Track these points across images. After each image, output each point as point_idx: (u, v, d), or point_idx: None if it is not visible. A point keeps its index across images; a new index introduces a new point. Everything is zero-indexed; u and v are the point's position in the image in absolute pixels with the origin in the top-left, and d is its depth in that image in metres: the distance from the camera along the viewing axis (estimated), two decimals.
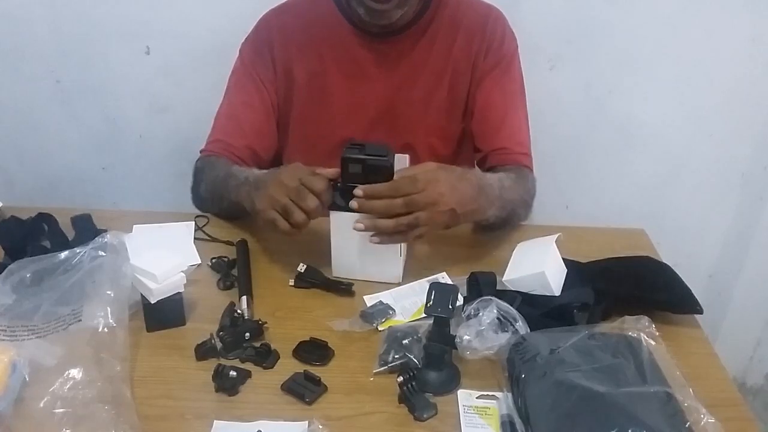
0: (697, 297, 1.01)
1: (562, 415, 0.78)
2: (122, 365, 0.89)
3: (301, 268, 1.08)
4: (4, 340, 0.93)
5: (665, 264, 1.09)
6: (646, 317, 0.91)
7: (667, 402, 0.79)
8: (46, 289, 0.97)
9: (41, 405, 0.83)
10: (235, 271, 1.11)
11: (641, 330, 0.89)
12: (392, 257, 1.06)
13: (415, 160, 1.09)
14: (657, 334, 0.89)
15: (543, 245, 1.04)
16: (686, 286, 1.03)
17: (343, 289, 1.07)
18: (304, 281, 1.08)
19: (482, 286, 1.00)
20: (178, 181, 1.73)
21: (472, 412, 0.86)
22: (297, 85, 1.31)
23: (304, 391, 0.88)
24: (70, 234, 1.19)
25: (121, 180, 1.78)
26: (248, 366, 0.93)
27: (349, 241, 1.06)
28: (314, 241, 1.16)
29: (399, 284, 1.08)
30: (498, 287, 1.01)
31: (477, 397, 0.88)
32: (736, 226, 1.73)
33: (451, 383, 0.89)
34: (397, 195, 0.99)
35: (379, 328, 0.99)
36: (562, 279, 1.03)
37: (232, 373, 0.89)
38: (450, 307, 0.89)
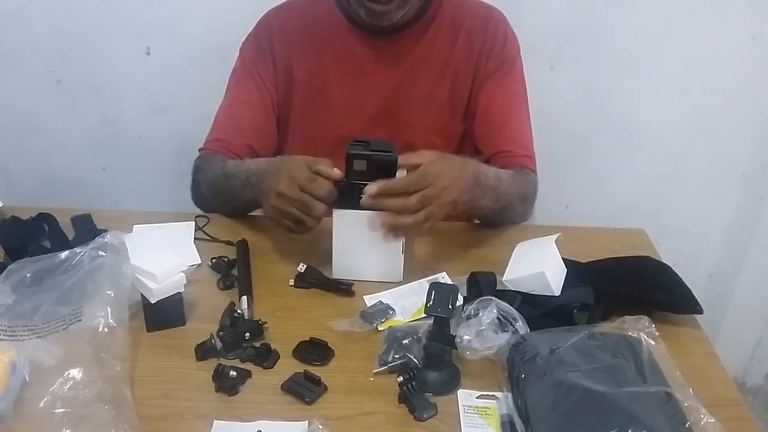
0: (697, 297, 1.01)
1: (562, 415, 0.78)
2: (122, 365, 0.89)
3: (301, 268, 1.08)
4: (4, 340, 0.93)
5: (665, 264, 1.09)
6: (646, 317, 0.91)
7: (667, 402, 0.79)
8: (46, 289, 0.97)
9: (41, 405, 0.83)
10: (235, 271, 1.11)
11: (641, 330, 0.89)
12: (394, 256, 1.06)
13: None
14: (657, 334, 0.89)
15: (543, 245, 1.04)
16: (686, 286, 1.03)
17: (343, 289, 1.07)
18: (304, 281, 1.08)
19: (482, 286, 1.00)
20: (179, 181, 1.73)
21: (472, 412, 0.86)
22: (297, 84, 1.31)
23: (304, 391, 0.88)
24: (71, 234, 1.19)
25: (122, 180, 1.78)
26: (248, 366, 0.93)
27: (351, 239, 1.06)
28: (314, 241, 1.16)
29: (399, 284, 1.08)
30: (498, 287, 1.01)
31: (477, 397, 0.88)
32: (736, 226, 1.73)
33: (451, 383, 0.89)
34: (410, 191, 0.98)
35: (379, 328, 0.99)
36: (562, 279, 1.03)
37: (232, 373, 0.89)
38: (450, 307, 0.89)
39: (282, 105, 1.34)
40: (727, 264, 1.78)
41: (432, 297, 0.91)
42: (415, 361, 0.90)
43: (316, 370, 0.91)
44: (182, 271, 0.99)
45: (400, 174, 1.01)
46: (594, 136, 1.66)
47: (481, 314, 0.92)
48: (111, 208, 1.64)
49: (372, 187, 0.98)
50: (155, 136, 1.72)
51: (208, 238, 1.21)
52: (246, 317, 1.00)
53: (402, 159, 1.01)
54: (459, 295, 0.94)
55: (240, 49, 1.34)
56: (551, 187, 1.70)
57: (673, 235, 1.56)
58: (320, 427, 0.81)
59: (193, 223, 1.23)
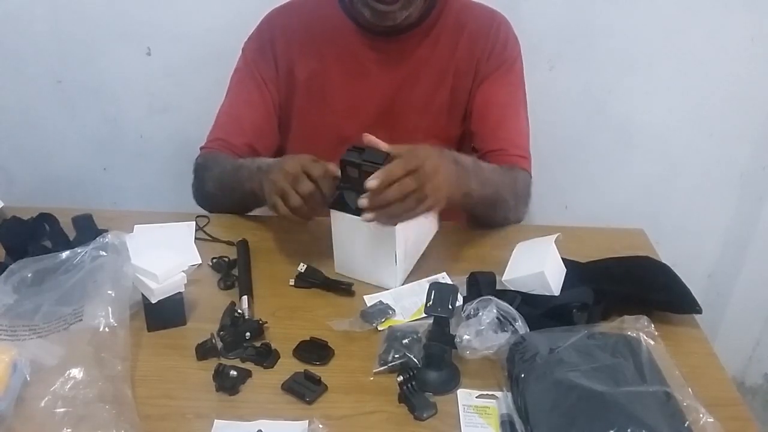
0: (696, 297, 1.01)
1: (561, 415, 0.78)
2: (123, 365, 0.89)
3: (302, 268, 1.09)
4: (5, 339, 0.93)
5: (664, 264, 1.09)
6: (646, 317, 0.91)
7: (666, 401, 0.79)
8: (47, 289, 0.97)
9: (42, 404, 0.83)
10: (235, 271, 1.11)
11: (640, 330, 0.90)
12: (388, 263, 1.05)
13: None
14: (656, 333, 0.89)
15: (542, 245, 1.05)
16: (685, 286, 1.03)
17: (343, 289, 1.07)
18: (304, 281, 1.09)
19: (482, 286, 1.01)
20: (179, 181, 1.73)
21: (472, 411, 0.86)
22: (298, 84, 1.32)
23: (305, 390, 0.88)
24: (71, 234, 1.19)
25: (122, 180, 1.79)
26: (249, 365, 0.93)
27: (348, 241, 1.07)
28: (314, 241, 1.16)
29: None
30: (498, 287, 1.01)
31: (477, 397, 0.88)
32: (735, 226, 1.73)
33: (450, 383, 0.90)
34: (404, 172, 0.95)
35: (379, 328, 0.99)
36: (562, 279, 1.03)
37: (233, 372, 0.89)
38: (450, 306, 0.89)
39: (283, 105, 1.34)
40: (726, 264, 1.78)
41: (432, 297, 0.91)
42: (415, 360, 0.90)
43: (316, 370, 0.91)
44: (183, 271, 0.99)
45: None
46: (594, 136, 1.66)
47: (480, 314, 0.92)
48: (112, 208, 1.64)
49: (374, 181, 0.95)
50: (156, 136, 1.72)
51: (209, 238, 1.21)
52: (246, 317, 1.00)
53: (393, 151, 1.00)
54: (459, 295, 0.94)
55: (242, 48, 1.34)
56: (551, 187, 1.71)
57: (673, 235, 1.56)
58: (320, 426, 0.82)
59: (194, 223, 1.23)
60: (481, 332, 0.90)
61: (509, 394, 0.86)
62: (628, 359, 0.84)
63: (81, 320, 0.95)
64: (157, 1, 1.55)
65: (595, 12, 1.52)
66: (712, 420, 0.78)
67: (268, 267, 1.14)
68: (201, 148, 1.33)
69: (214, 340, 0.94)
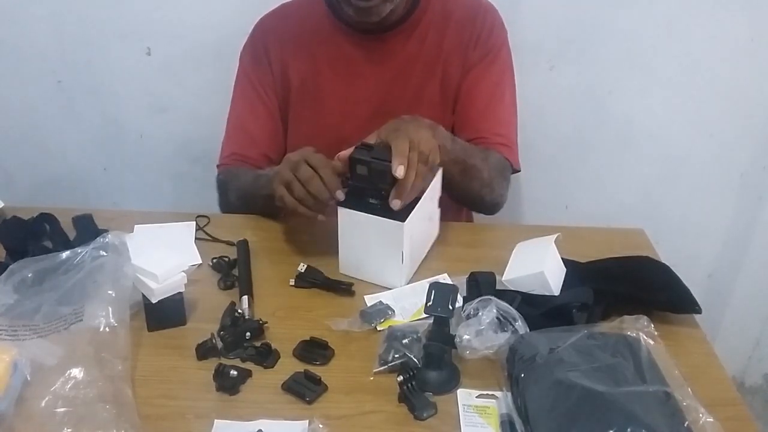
0: (696, 297, 1.02)
1: (561, 415, 0.78)
2: (123, 365, 0.89)
3: (302, 267, 1.09)
4: (5, 339, 0.93)
5: (664, 264, 1.09)
6: (645, 317, 0.91)
7: (666, 401, 0.79)
8: (47, 289, 0.98)
9: (42, 404, 0.83)
10: (235, 271, 1.11)
11: (640, 330, 0.90)
12: (395, 263, 1.05)
13: None
14: (656, 333, 0.89)
15: (542, 245, 1.05)
16: (685, 285, 1.03)
17: (343, 289, 1.07)
18: (304, 281, 1.09)
19: (482, 286, 1.01)
20: (179, 181, 1.73)
21: (472, 411, 0.86)
22: (293, 87, 1.32)
23: (305, 390, 0.88)
24: (72, 234, 1.19)
25: (122, 180, 1.79)
26: (249, 365, 0.93)
27: (354, 239, 1.07)
28: (314, 241, 1.16)
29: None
30: (497, 287, 1.01)
31: (477, 397, 0.88)
32: (735, 226, 1.73)
33: (450, 383, 0.90)
34: (408, 152, 0.99)
35: (378, 328, 0.99)
36: (562, 279, 1.03)
37: (233, 372, 0.89)
38: (450, 307, 0.89)
39: (282, 108, 1.35)
40: (726, 264, 1.78)
41: (432, 297, 0.91)
42: (415, 360, 0.90)
43: (316, 370, 0.91)
44: (183, 271, 0.99)
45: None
46: (594, 136, 1.66)
47: (480, 314, 0.92)
48: (112, 208, 1.64)
49: (401, 170, 0.97)
50: (156, 136, 1.72)
51: (209, 238, 1.21)
52: (246, 317, 1.00)
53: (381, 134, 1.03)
54: (459, 295, 0.94)
55: (239, 58, 1.35)
56: (551, 187, 1.71)
57: (673, 235, 1.56)
58: (320, 426, 0.82)
59: (194, 223, 1.23)
60: (481, 332, 0.90)
61: (509, 394, 0.86)
62: (627, 359, 0.84)
63: (81, 320, 0.95)
64: (157, 1, 1.55)
65: (595, 12, 1.52)
66: (711, 420, 0.78)
67: (268, 267, 1.14)
68: (218, 166, 1.35)
69: (214, 340, 0.94)
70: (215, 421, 0.85)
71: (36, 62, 1.64)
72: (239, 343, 0.95)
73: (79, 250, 1.00)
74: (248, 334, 0.96)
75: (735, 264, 1.76)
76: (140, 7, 1.56)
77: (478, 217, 1.42)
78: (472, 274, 1.04)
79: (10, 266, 0.99)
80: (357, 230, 1.05)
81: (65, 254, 1.00)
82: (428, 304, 0.90)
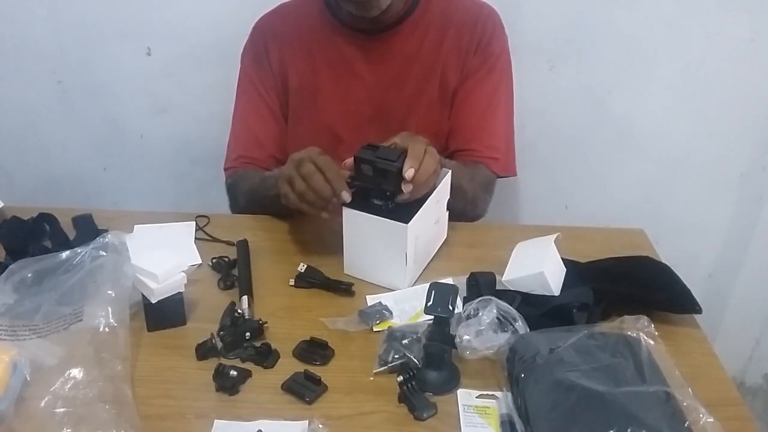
0: (696, 297, 1.01)
1: (561, 415, 0.78)
2: (123, 365, 0.89)
3: (302, 268, 1.09)
4: (5, 339, 0.93)
5: (664, 264, 1.09)
6: (646, 317, 0.91)
7: (666, 401, 0.79)
8: (47, 289, 0.98)
9: (42, 405, 0.83)
10: (235, 271, 1.11)
11: (640, 330, 0.90)
12: (398, 264, 1.05)
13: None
14: (656, 333, 0.89)
15: (542, 245, 1.05)
16: (685, 285, 1.03)
17: (343, 289, 1.07)
18: (304, 281, 1.09)
19: (482, 286, 1.01)
20: (179, 181, 1.73)
21: (472, 411, 0.86)
22: (292, 87, 1.32)
23: (305, 390, 0.88)
24: (71, 234, 1.19)
25: (122, 180, 1.79)
26: (249, 365, 0.93)
27: (359, 240, 1.07)
28: (315, 241, 1.16)
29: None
30: (498, 287, 1.01)
31: (477, 397, 0.88)
32: (735, 226, 1.73)
33: (450, 383, 0.90)
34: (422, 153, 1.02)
35: (374, 329, 0.99)
36: (562, 279, 1.03)
37: (233, 372, 0.89)
38: (450, 307, 0.89)
39: (283, 107, 1.35)
40: (726, 264, 1.78)
41: (432, 297, 0.91)
42: (415, 360, 0.90)
43: (316, 370, 0.91)
44: (183, 271, 0.99)
45: (406, 187, 1.00)
46: (594, 136, 1.66)
47: (480, 314, 0.92)
48: (112, 208, 1.64)
49: (411, 171, 0.99)
50: (156, 136, 1.72)
51: (209, 238, 1.21)
52: (246, 317, 1.00)
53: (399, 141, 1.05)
54: (458, 295, 0.94)
55: (240, 59, 1.35)
56: (551, 187, 1.71)
57: (673, 235, 1.56)
58: (320, 426, 0.82)
59: (194, 223, 1.23)
60: (481, 332, 0.90)
61: (509, 394, 0.86)
62: (628, 359, 0.84)
63: (81, 320, 0.96)
64: (157, 1, 1.55)
65: (595, 12, 1.52)
66: (712, 420, 0.78)
67: (268, 267, 1.14)
68: (226, 169, 1.35)
69: (214, 340, 0.94)
70: (215, 421, 0.85)
71: (36, 62, 1.64)
72: (239, 343, 0.95)
73: (79, 250, 1.00)
74: (248, 334, 0.96)
75: (735, 264, 1.76)
76: (140, 7, 1.56)
77: None
78: (472, 274, 1.04)
79: (10, 266, 0.99)
80: (361, 231, 1.05)
81: (65, 254, 1.00)
82: (428, 304, 0.90)
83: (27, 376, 0.87)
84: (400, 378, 0.87)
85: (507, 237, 1.14)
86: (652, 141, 1.65)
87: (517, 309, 0.94)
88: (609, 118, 1.63)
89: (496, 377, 0.90)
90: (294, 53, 1.31)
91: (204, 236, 1.21)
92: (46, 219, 1.20)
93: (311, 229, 1.20)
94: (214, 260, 1.13)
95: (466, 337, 0.90)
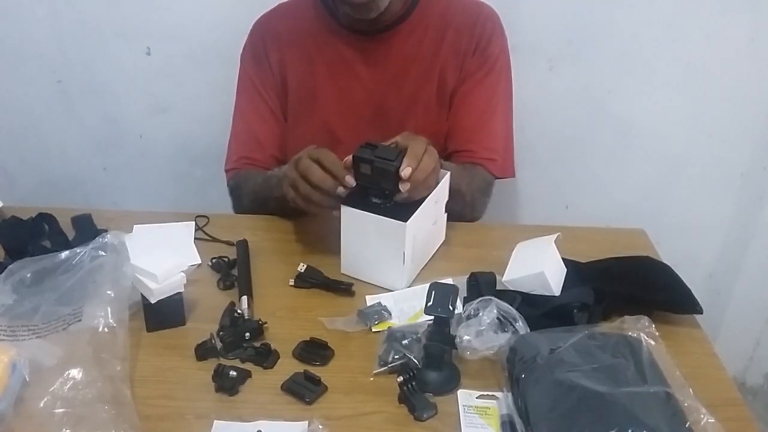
0: (696, 297, 1.01)
1: (562, 415, 0.78)
2: (122, 365, 0.89)
3: (301, 268, 1.09)
4: (4, 340, 0.93)
5: (665, 264, 1.09)
6: (646, 317, 0.91)
7: (667, 402, 0.79)
8: (46, 289, 0.97)
9: (41, 405, 0.83)
10: (235, 271, 1.11)
11: (641, 330, 0.89)
12: (395, 264, 1.05)
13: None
14: (657, 334, 0.89)
15: (542, 245, 1.04)
16: (686, 286, 1.03)
17: (343, 289, 1.07)
18: (304, 281, 1.08)
19: (482, 286, 1.00)
20: (179, 181, 1.73)
21: (472, 412, 0.86)
22: (291, 87, 1.32)
23: (304, 391, 0.88)
24: (71, 234, 1.19)
25: (122, 180, 1.79)
26: (248, 366, 0.93)
27: (356, 238, 1.06)
28: (314, 241, 1.16)
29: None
30: (498, 287, 1.01)
31: (477, 397, 0.88)
32: (735, 226, 1.73)
33: (451, 383, 0.90)
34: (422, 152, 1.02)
35: (373, 330, 0.99)
36: (562, 279, 1.03)
37: (232, 373, 0.89)
38: (450, 307, 0.89)
39: (282, 107, 1.34)
40: (727, 264, 1.78)
41: (432, 297, 0.91)
42: (415, 361, 0.90)
43: (316, 370, 0.91)
44: (182, 271, 0.99)
45: (404, 186, 1.00)
46: (594, 136, 1.66)
47: (481, 314, 0.92)
48: (111, 208, 1.64)
49: (408, 170, 0.99)
50: (156, 136, 1.72)
51: (208, 238, 1.21)
52: (246, 317, 1.00)
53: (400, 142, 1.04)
54: (459, 295, 0.94)
55: (240, 58, 1.35)
56: (551, 187, 1.71)
57: (673, 235, 1.56)
58: (320, 427, 0.82)
59: (193, 223, 1.23)
60: (481, 332, 0.90)
61: (509, 395, 0.86)
62: (628, 359, 0.84)
63: (80, 320, 0.95)
64: (157, 1, 1.55)
65: (595, 12, 1.52)
66: (712, 420, 0.78)
67: (268, 267, 1.13)
68: (227, 171, 1.34)
69: (213, 341, 0.94)
70: (214, 421, 0.85)
71: (36, 62, 1.64)
72: (239, 343, 0.95)
73: (78, 250, 1.00)
74: (248, 334, 0.96)
75: (735, 264, 1.76)
76: (140, 7, 1.56)
77: None
78: (472, 274, 1.04)
79: (9, 266, 0.99)
80: (359, 229, 1.05)
81: (64, 254, 1.00)
82: (428, 304, 0.90)
83: (26, 376, 0.87)
84: (400, 378, 0.86)
85: (507, 237, 1.14)
86: (652, 141, 1.65)
87: (517, 309, 0.93)
88: (609, 119, 1.63)
89: (497, 378, 0.90)
90: (293, 54, 1.31)
91: (203, 236, 1.21)
92: (45, 219, 1.20)
93: (311, 229, 1.20)
94: (213, 260, 1.13)
95: (466, 337, 0.90)
